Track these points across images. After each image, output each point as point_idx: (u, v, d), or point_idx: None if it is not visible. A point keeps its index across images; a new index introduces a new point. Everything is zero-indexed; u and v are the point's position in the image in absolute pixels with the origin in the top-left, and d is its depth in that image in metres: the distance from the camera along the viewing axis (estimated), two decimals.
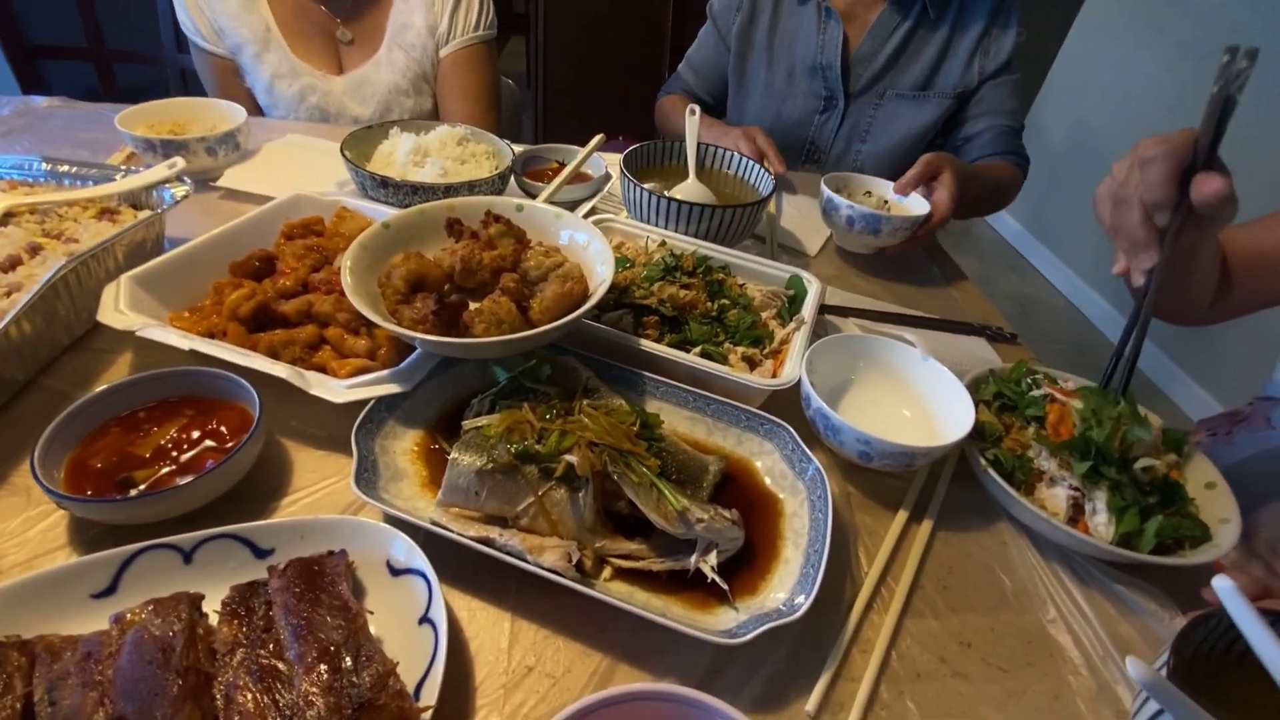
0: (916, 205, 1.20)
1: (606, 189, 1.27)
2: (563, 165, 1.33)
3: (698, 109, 1.21)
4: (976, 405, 0.76)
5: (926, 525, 0.72)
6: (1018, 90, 1.53)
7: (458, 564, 0.60)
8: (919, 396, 0.82)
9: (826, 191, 1.18)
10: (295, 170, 1.21)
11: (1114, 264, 0.76)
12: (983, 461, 0.72)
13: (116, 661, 0.47)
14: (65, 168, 0.94)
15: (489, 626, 0.58)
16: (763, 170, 1.16)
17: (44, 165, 0.93)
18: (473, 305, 0.72)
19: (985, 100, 1.52)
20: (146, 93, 1.54)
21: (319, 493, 0.67)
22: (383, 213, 0.98)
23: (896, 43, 1.51)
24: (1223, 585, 0.48)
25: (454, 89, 1.59)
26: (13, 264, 0.77)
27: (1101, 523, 0.68)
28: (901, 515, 0.73)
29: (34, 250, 0.80)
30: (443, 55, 1.57)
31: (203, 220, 1.05)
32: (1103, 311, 3.46)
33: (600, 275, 0.77)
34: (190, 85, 2.26)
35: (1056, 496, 0.71)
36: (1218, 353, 2.84)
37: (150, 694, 0.44)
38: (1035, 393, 0.78)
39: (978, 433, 0.76)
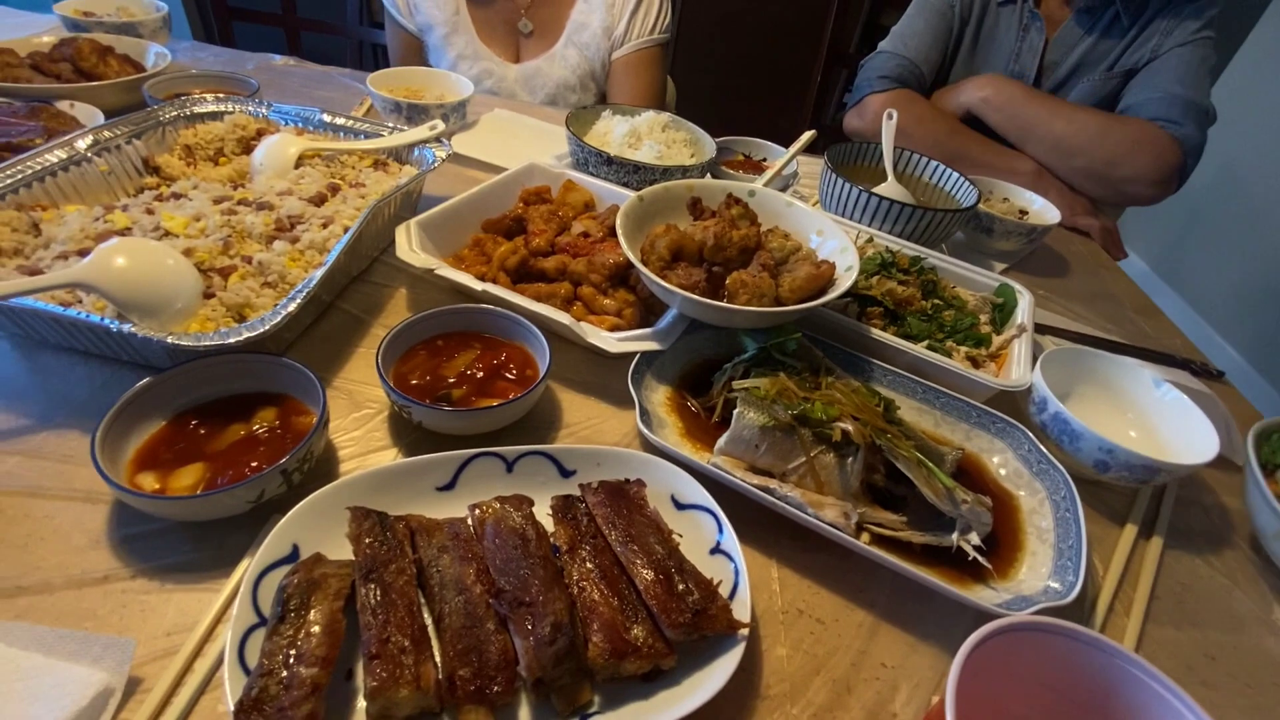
0: (1050, 216, 1.24)
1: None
2: (748, 158, 1.38)
3: (895, 113, 1.23)
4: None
5: (1156, 542, 0.73)
6: (1195, 58, 1.40)
7: (724, 509, 0.65)
8: (1145, 419, 0.82)
9: None
10: (512, 142, 1.31)
11: None
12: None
13: (481, 544, 0.54)
14: (341, 120, 1.05)
15: (756, 570, 0.63)
16: (964, 181, 1.17)
17: (324, 116, 1.05)
18: (731, 277, 0.78)
19: (1152, 70, 1.44)
20: (329, 60, 1.68)
21: (585, 429, 0.74)
22: (601, 186, 1.06)
23: (1080, 53, 1.50)
24: None
25: (625, 89, 1.66)
26: (320, 199, 0.88)
27: None
28: (1130, 529, 0.74)
29: (333, 190, 0.90)
30: (615, 57, 1.63)
31: (434, 179, 1.15)
32: (1232, 362, 3.23)
33: (845, 263, 0.81)
34: (365, 57, 2.44)
35: None
36: None
37: (522, 572, 0.51)
38: None
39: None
